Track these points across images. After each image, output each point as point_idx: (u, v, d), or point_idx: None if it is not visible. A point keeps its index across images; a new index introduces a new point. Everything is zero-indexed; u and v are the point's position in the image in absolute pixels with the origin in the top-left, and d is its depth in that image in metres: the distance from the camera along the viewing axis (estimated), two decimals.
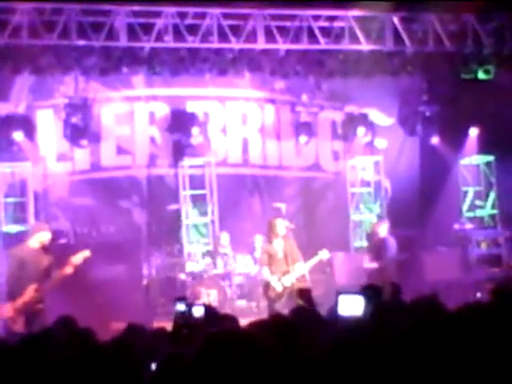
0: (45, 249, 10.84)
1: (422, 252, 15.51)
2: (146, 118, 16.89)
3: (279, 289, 12.20)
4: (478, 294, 14.40)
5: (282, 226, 12.42)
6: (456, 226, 16.42)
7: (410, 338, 3.38)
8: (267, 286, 12.35)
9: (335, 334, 3.38)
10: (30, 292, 10.50)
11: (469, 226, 16.56)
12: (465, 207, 17.18)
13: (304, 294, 6.73)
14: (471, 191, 17.29)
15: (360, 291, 6.42)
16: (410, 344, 3.35)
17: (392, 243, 14.37)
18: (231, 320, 6.05)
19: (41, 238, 10.78)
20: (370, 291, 6.59)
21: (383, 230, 14.66)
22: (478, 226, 16.77)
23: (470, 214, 17.09)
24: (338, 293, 3.71)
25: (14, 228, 14.52)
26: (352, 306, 3.65)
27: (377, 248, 14.47)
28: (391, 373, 3.12)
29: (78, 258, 10.77)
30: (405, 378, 3.19)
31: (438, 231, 16.23)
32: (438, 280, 14.20)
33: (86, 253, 10.88)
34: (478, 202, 17.22)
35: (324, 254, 12.65)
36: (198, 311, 6.17)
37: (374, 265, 14.32)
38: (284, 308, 12.02)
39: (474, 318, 4.26)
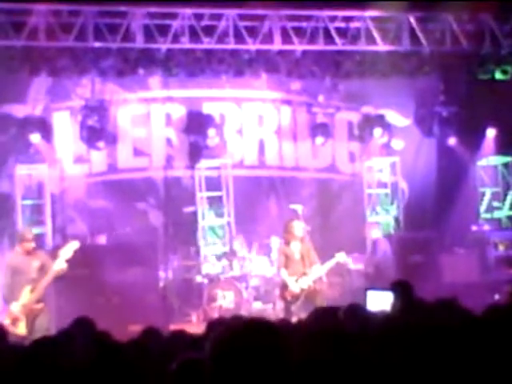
0: (33, 252, 10.88)
1: (440, 254, 15.43)
2: (162, 119, 16.88)
3: (296, 290, 12.18)
4: (496, 296, 14.32)
5: (299, 227, 12.40)
6: (474, 228, 16.34)
7: (431, 341, 3.34)
8: (284, 287, 12.34)
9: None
10: (25, 294, 10.57)
11: (486, 227, 16.48)
12: (482, 208, 17.09)
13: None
14: (489, 192, 17.20)
15: (389, 287, 6.39)
16: (431, 347, 3.31)
17: (383, 245, 14.35)
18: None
19: (25, 247, 10.85)
20: (398, 287, 6.54)
21: (374, 232, 14.66)
22: (496, 227, 16.69)
23: (488, 216, 17.00)
24: (366, 289, 3.69)
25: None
26: (381, 302, 3.62)
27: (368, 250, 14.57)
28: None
29: (68, 250, 10.78)
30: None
31: (456, 233, 16.15)
32: (456, 282, 14.12)
33: (75, 244, 10.88)
34: (495, 204, 17.12)
35: (341, 257, 12.63)
36: None
37: (360, 266, 14.36)
38: (300, 310, 12.02)
39: (493, 320, 4.22)
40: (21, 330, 10.50)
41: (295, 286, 12.17)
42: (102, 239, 15.26)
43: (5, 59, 13.58)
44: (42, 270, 10.72)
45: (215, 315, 13.32)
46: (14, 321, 10.51)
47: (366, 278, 14.22)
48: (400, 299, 5.87)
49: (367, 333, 4.00)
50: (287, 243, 12.51)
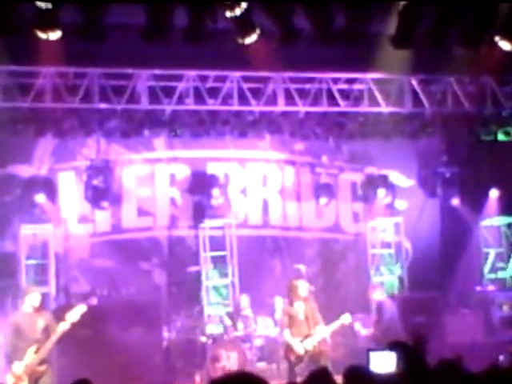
0: (38, 311, 10.85)
1: (444, 314, 15.37)
2: (166, 179, 16.97)
3: (301, 352, 12.12)
4: (501, 357, 14.20)
5: (303, 288, 12.38)
6: (478, 288, 16.30)
7: None
8: (288, 348, 12.27)
9: None
10: (30, 355, 10.50)
11: (491, 287, 16.43)
12: (486, 269, 17.06)
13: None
14: (493, 253, 17.19)
15: (389, 347, 6.36)
16: None
17: (389, 306, 14.27)
18: None
19: (30, 300, 10.82)
20: (398, 348, 6.52)
21: (377, 294, 14.58)
22: (500, 287, 16.64)
23: (492, 276, 16.96)
24: (368, 350, 3.70)
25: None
26: (384, 363, 3.62)
27: (374, 313, 14.44)
28: None
29: (75, 314, 10.74)
30: None
31: (460, 293, 16.11)
32: (461, 342, 14.04)
33: (83, 308, 10.84)
34: (499, 264, 17.10)
35: (346, 318, 12.57)
36: None
37: (369, 331, 14.22)
38: (304, 371, 11.93)
39: (494, 380, 4.23)
40: None
41: (299, 347, 12.11)
42: (105, 299, 15.22)
43: (11, 120, 13.74)
44: (47, 330, 10.68)
45: (219, 375, 13.21)
46: (17, 381, 10.44)
47: (373, 341, 14.09)
48: (402, 360, 5.86)
49: None
50: (291, 303, 12.47)
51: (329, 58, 13.85)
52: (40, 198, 15.07)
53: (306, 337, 12.19)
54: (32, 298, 10.82)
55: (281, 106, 14.72)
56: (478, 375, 4.92)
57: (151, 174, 16.89)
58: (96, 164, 15.25)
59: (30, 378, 10.51)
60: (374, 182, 17.13)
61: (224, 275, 16.65)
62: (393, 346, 6.20)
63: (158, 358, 14.03)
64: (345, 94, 14.89)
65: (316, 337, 12.21)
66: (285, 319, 12.48)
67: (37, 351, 10.53)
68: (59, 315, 10.97)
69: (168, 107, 14.29)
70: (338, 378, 6.65)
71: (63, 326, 10.59)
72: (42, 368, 10.61)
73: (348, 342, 14.97)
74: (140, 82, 14.10)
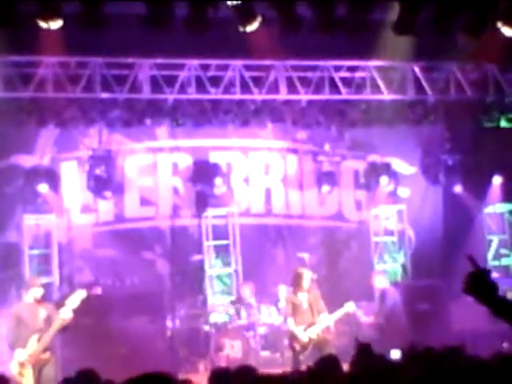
0: (40, 302, 10.88)
1: (448, 302, 15.35)
2: (169, 168, 16.96)
3: (305, 340, 12.13)
4: (505, 344, 14.22)
5: (307, 277, 12.39)
6: None
7: None
8: (292, 336, 12.29)
9: None
10: (32, 344, 10.55)
11: (494, 274, 16.41)
12: (490, 256, 17.05)
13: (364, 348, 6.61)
14: (496, 240, 17.18)
15: None
16: None
17: (392, 294, 14.27)
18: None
19: (33, 293, 10.86)
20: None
21: (380, 281, 14.58)
22: (504, 274, 16.63)
23: (496, 263, 16.96)
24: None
25: None
26: None
27: (377, 300, 14.43)
28: None
29: (75, 299, 10.75)
30: None
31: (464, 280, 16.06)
32: (465, 330, 14.04)
33: (82, 293, 10.85)
34: (503, 251, 17.10)
35: (350, 307, 12.59)
36: None
37: (370, 318, 14.22)
38: (308, 359, 11.95)
39: (500, 367, 4.22)
40: (28, 379, 10.47)
41: (304, 336, 12.12)
42: (109, 289, 15.25)
43: (13, 111, 13.73)
44: (48, 320, 10.71)
45: (223, 364, 13.25)
46: (21, 369, 10.47)
47: (376, 329, 14.11)
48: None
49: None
50: (295, 292, 12.49)
51: (331, 46, 13.83)
52: (43, 187, 15.07)
53: (310, 325, 12.21)
54: (34, 291, 10.86)
55: (283, 95, 14.71)
56: (482, 361, 4.92)
57: (153, 164, 16.88)
58: (98, 154, 15.24)
59: (34, 366, 10.54)
60: (377, 170, 17.10)
61: (227, 264, 16.67)
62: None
63: (161, 347, 14.04)
64: (347, 82, 14.87)
65: (320, 325, 12.23)
66: (288, 308, 12.50)
67: (39, 339, 10.57)
68: (63, 305, 10.99)
69: (170, 96, 14.28)
70: (344, 367, 6.66)
71: (64, 313, 10.62)
72: (46, 356, 10.64)
73: (352, 330, 14.97)
74: (142, 72, 14.08)
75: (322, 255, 17.22)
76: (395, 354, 6.68)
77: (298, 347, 12.19)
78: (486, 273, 3.53)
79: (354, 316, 14.59)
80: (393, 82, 14.93)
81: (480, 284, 3.48)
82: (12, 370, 10.46)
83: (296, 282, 12.48)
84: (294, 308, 12.39)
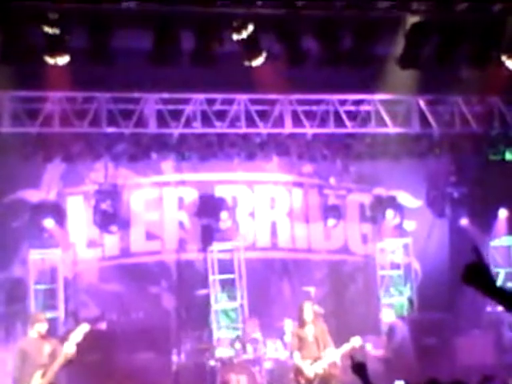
0: (45, 337, 10.86)
1: (454, 336, 15.28)
2: (174, 203, 16.97)
3: (311, 375, 12.06)
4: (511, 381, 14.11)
5: (308, 309, 12.36)
6: (488, 309, 16.20)
7: None
8: (298, 371, 12.22)
9: None
10: (36, 379, 10.49)
11: (501, 308, 16.32)
12: None
13: (359, 368, 6.59)
14: (502, 273, 17.11)
15: None
16: None
17: (400, 328, 14.18)
18: None
19: (38, 328, 10.84)
20: None
21: (388, 314, 14.50)
22: None
23: None
24: None
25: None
26: None
27: (385, 334, 14.33)
28: None
29: (78, 333, 10.72)
30: None
31: (470, 314, 16.00)
32: (472, 364, 13.95)
33: (85, 327, 10.82)
34: (509, 284, 17.01)
35: (356, 341, 12.52)
36: None
37: (379, 352, 14.12)
38: None
39: None
40: None
41: (309, 370, 12.06)
42: (114, 323, 15.19)
43: (19, 145, 13.78)
44: (53, 356, 10.67)
45: None
46: None
47: (384, 364, 14.02)
48: None
49: None
50: (301, 326, 12.44)
51: (336, 80, 13.90)
52: (48, 222, 15.07)
53: (316, 359, 12.14)
54: (39, 326, 10.84)
55: (288, 128, 14.75)
56: None
57: (159, 198, 16.89)
58: (104, 188, 15.27)
59: None
60: (383, 203, 17.10)
61: (233, 298, 16.61)
62: None
63: (167, 382, 13.96)
64: (352, 116, 14.92)
65: (326, 359, 12.17)
66: (294, 341, 12.45)
67: (43, 375, 10.52)
68: (67, 339, 10.95)
69: (176, 131, 14.34)
70: None
71: (68, 347, 10.57)
72: None
73: None
74: (147, 106, 14.16)
75: (328, 289, 17.15)
76: None
77: (303, 382, 12.12)
78: (485, 265, 3.78)
79: (361, 350, 14.52)
80: (398, 116, 14.97)
81: (478, 275, 3.76)
82: None
83: (298, 316, 12.47)
84: (299, 342, 12.34)
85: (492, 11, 12.65)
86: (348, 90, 14.69)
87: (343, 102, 14.87)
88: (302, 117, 14.66)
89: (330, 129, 14.86)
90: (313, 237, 17.69)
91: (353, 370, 6.62)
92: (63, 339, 11.21)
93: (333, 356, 12.26)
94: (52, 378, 10.59)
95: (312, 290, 14.04)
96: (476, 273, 3.92)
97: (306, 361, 12.15)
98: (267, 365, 14.80)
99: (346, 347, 12.43)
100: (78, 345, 10.64)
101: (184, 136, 14.49)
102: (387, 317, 14.56)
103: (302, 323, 12.41)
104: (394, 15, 12.69)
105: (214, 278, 16.54)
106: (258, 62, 12.53)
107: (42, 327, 10.88)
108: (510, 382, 13.90)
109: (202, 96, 14.33)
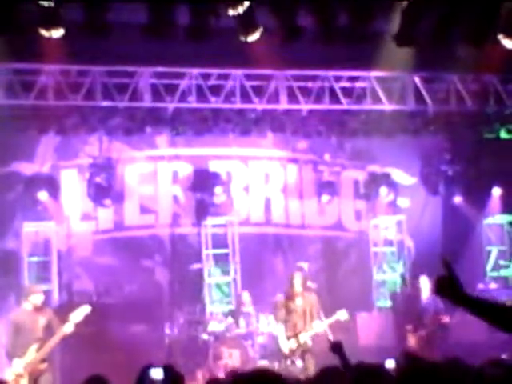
0: (40, 309, 10.86)
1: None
2: (169, 177, 16.97)
3: (285, 351, 12.22)
4: (503, 356, 14.19)
5: (298, 279, 12.46)
6: (480, 286, 16.28)
7: None
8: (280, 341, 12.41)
9: None
10: (31, 353, 10.52)
11: (493, 285, 16.42)
12: (489, 267, 17.05)
13: (337, 347, 6.65)
14: (495, 250, 17.19)
15: None
16: None
17: (437, 303, 13.95)
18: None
19: (33, 300, 10.83)
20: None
21: (426, 287, 14.26)
22: (503, 285, 16.63)
23: (494, 274, 16.96)
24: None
25: None
26: None
27: (418, 312, 14.16)
28: None
29: (78, 314, 10.75)
30: None
31: None
32: (463, 342, 14.01)
33: (87, 309, 10.85)
34: (502, 262, 17.10)
35: (342, 315, 12.60)
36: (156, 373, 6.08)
37: (422, 333, 13.91)
38: (294, 365, 12.05)
39: (495, 375, 4.24)
40: None
41: (284, 346, 12.24)
42: (107, 296, 15.24)
43: (14, 118, 13.75)
44: (48, 328, 10.69)
45: (221, 373, 13.24)
46: (17, 378, 10.46)
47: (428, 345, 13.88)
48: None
49: None
50: (290, 297, 12.53)
51: (331, 56, 13.86)
52: (42, 195, 15.08)
53: (299, 333, 12.26)
54: (35, 298, 10.84)
55: (283, 104, 14.73)
56: (481, 371, 4.94)
57: (154, 172, 16.90)
58: (98, 162, 15.28)
59: (31, 375, 10.53)
60: (377, 180, 17.13)
61: (226, 273, 16.66)
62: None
63: (160, 355, 14.02)
64: (347, 92, 14.90)
65: (310, 331, 12.28)
66: (282, 313, 12.57)
67: (38, 349, 10.55)
68: (62, 313, 11.00)
69: (170, 105, 14.30)
70: None
71: (67, 328, 10.61)
72: (43, 366, 10.64)
73: (351, 340, 14.94)
74: (142, 80, 14.11)
75: (321, 265, 17.22)
76: (390, 364, 6.68)
77: (286, 352, 12.33)
78: (454, 277, 3.81)
79: (353, 325, 14.60)
80: (393, 93, 14.96)
81: (449, 287, 3.80)
82: (8, 377, 10.44)
83: (290, 287, 12.55)
84: (287, 314, 12.44)
85: None
86: (344, 66, 14.66)
87: (339, 79, 14.85)
88: (298, 93, 14.63)
89: (325, 105, 14.84)
90: (307, 213, 17.72)
91: (330, 349, 6.68)
92: (57, 312, 11.27)
93: (318, 328, 12.37)
94: (46, 354, 10.64)
95: (305, 265, 14.09)
96: (446, 285, 3.96)
97: (287, 333, 12.29)
98: (260, 339, 14.89)
99: (331, 320, 12.52)
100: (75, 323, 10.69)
101: (179, 110, 14.46)
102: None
103: (291, 295, 12.50)
104: None
105: (208, 252, 16.58)
106: (253, 37, 12.48)
107: (38, 298, 10.88)
108: (503, 357, 14.01)
109: (196, 71, 14.28)
